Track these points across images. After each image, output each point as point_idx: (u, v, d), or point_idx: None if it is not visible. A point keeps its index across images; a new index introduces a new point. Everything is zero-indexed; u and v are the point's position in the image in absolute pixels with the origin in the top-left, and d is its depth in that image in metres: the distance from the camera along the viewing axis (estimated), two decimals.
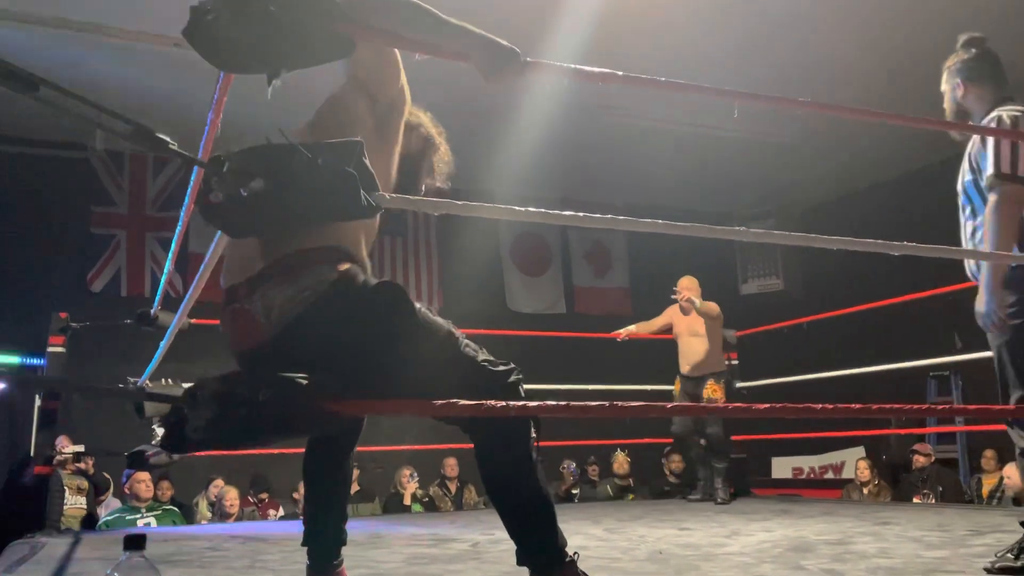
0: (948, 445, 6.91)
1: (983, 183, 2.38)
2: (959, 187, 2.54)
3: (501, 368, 1.62)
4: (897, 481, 6.49)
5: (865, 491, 6.27)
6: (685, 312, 5.42)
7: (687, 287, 5.35)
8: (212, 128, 1.88)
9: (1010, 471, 5.51)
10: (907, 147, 7.29)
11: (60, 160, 7.01)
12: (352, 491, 6.16)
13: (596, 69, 1.63)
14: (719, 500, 5.18)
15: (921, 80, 5.89)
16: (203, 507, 6.03)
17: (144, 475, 5.29)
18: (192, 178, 2.44)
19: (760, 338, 6.69)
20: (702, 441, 5.40)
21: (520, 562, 1.63)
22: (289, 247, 1.55)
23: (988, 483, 6.02)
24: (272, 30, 1.23)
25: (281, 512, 6.13)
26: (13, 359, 5.66)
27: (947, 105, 2.63)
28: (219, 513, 5.77)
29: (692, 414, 5.44)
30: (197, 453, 1.46)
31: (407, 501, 6.39)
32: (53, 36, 5.19)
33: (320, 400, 1.33)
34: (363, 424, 2.06)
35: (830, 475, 7.90)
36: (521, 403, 1.53)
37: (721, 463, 5.25)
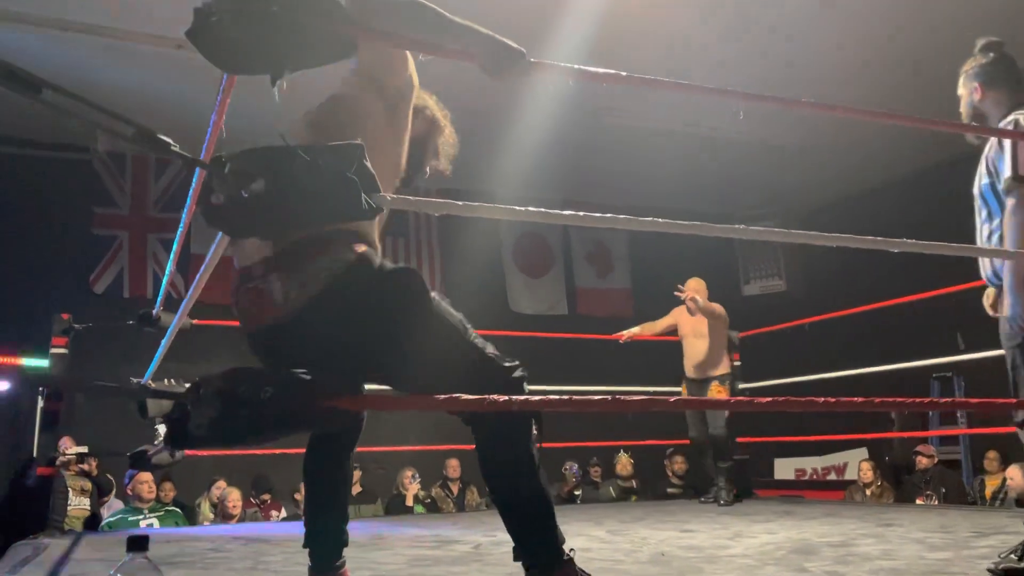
0: (951, 446, 6.90)
1: (1000, 186, 2.38)
2: (975, 191, 2.54)
3: (508, 363, 1.64)
4: (900, 482, 6.48)
5: (868, 492, 6.26)
6: (691, 313, 5.40)
7: (694, 288, 5.33)
8: (215, 129, 1.89)
9: (1013, 472, 5.50)
10: (909, 150, 7.29)
11: (62, 161, 7.02)
12: (354, 492, 6.21)
13: (599, 70, 1.63)
14: (722, 501, 5.17)
15: (926, 81, 5.93)
16: (205, 508, 6.03)
17: (147, 476, 5.30)
18: (194, 179, 2.44)
19: (762, 339, 6.69)
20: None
21: (517, 558, 1.63)
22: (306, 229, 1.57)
23: (991, 484, 6.01)
24: (275, 31, 1.24)
25: (283, 513, 6.13)
26: (42, 361, 5.61)
27: (964, 109, 2.63)
28: (222, 514, 5.77)
29: (696, 407, 5.43)
30: (199, 452, 1.46)
31: (409, 502, 6.39)
32: (56, 38, 5.20)
33: (322, 397, 1.33)
34: (363, 422, 2.06)
35: (833, 476, 7.88)
36: (524, 397, 1.53)
37: (725, 463, 5.24)
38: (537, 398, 1.47)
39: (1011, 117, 2.43)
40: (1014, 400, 2.24)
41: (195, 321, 3.96)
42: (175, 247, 3.29)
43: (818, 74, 5.86)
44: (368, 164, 1.36)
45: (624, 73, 1.67)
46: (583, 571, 1.62)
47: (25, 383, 6.28)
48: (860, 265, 6.58)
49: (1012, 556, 2.21)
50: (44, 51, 5.32)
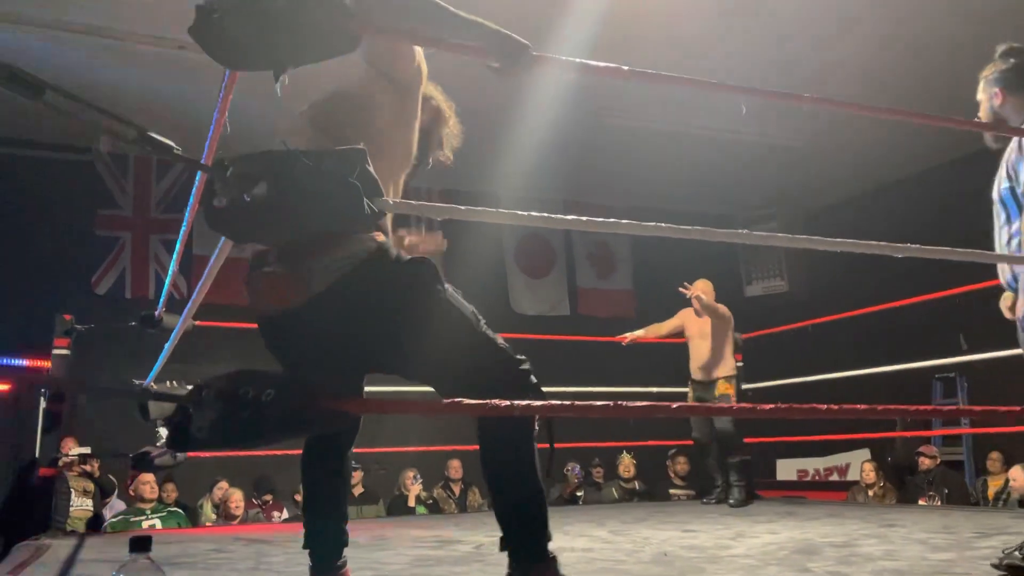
0: (953, 447, 6.89)
1: (1020, 190, 2.38)
2: (994, 195, 2.54)
3: (518, 356, 1.67)
4: (903, 483, 6.47)
5: (870, 493, 6.25)
6: (698, 314, 5.39)
7: (702, 289, 5.32)
8: (218, 127, 1.89)
9: (1016, 473, 5.50)
10: (911, 150, 7.27)
11: (64, 163, 7.02)
12: (356, 493, 6.21)
13: (602, 63, 1.64)
14: (732, 501, 5.07)
15: (927, 81, 5.94)
16: (208, 509, 6.04)
17: (149, 476, 5.31)
18: (196, 181, 2.45)
19: (764, 340, 6.68)
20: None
21: (503, 548, 1.66)
22: None
23: (994, 485, 6.00)
24: (277, 26, 1.24)
25: (285, 514, 6.13)
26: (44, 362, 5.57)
27: (983, 114, 2.62)
28: (224, 515, 5.77)
29: (699, 414, 5.41)
30: (201, 454, 1.47)
31: (411, 503, 6.39)
32: (57, 39, 5.20)
33: (324, 399, 1.33)
34: (361, 420, 2.06)
35: (835, 477, 7.87)
36: (526, 403, 1.54)
37: (735, 459, 5.17)
38: (539, 403, 1.47)
39: None
40: (1018, 408, 2.24)
41: (197, 322, 3.96)
42: (177, 248, 3.29)
43: (822, 74, 5.85)
44: (370, 168, 1.36)
45: (626, 67, 1.67)
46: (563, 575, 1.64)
47: (27, 384, 6.29)
48: (863, 267, 6.57)
49: (1016, 553, 2.21)
50: (46, 52, 5.33)
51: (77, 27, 4.96)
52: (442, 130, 2.05)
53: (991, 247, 2.55)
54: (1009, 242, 2.47)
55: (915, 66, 5.85)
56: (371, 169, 1.36)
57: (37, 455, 4.38)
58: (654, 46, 5.39)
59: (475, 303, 1.72)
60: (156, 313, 4.02)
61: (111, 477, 5.95)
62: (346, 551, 2.01)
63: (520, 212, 1.61)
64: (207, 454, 4.75)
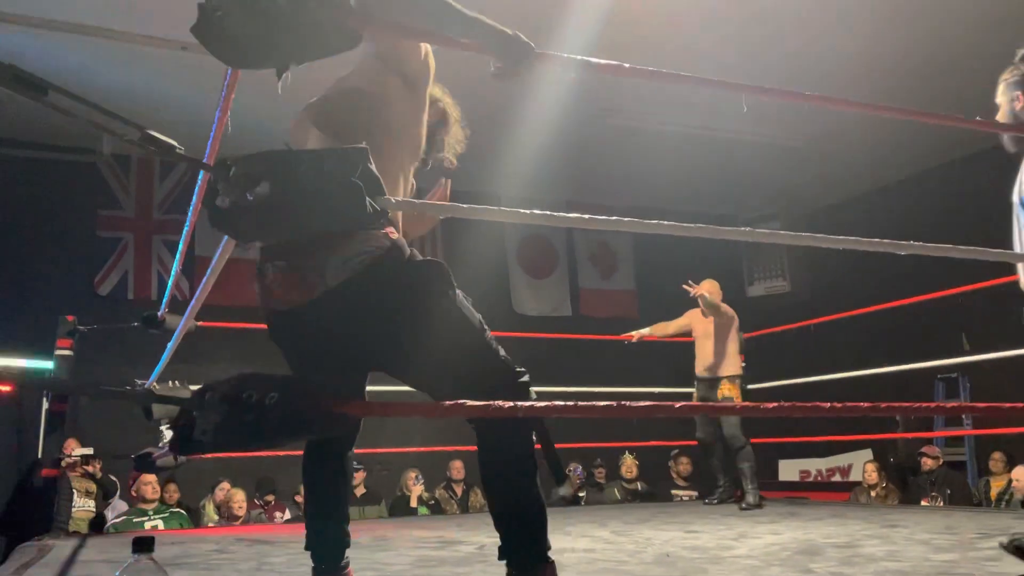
0: (956, 448, 6.88)
1: None
2: (1014, 198, 2.53)
3: (518, 368, 1.67)
4: (905, 484, 6.46)
5: (873, 494, 6.24)
6: (704, 314, 5.38)
7: (709, 290, 5.31)
8: (220, 126, 1.89)
9: (1018, 473, 5.49)
10: (912, 151, 7.27)
11: (67, 164, 7.03)
12: (358, 494, 6.21)
13: (603, 61, 1.64)
14: (743, 505, 4.99)
15: (934, 81, 5.93)
16: (210, 509, 6.04)
17: (150, 477, 5.31)
18: (198, 181, 2.45)
19: (766, 340, 6.68)
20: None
21: (501, 557, 1.66)
22: None
23: (996, 486, 5.99)
24: (279, 24, 1.24)
25: (287, 515, 6.13)
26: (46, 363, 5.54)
27: (1002, 118, 2.60)
28: (227, 516, 5.78)
29: (701, 413, 5.40)
30: (205, 455, 1.46)
31: (413, 504, 6.39)
32: (61, 40, 5.21)
33: (328, 402, 1.33)
34: (361, 421, 2.06)
35: (838, 478, 7.86)
36: (528, 404, 1.54)
37: (744, 463, 5.10)
38: (542, 404, 1.46)
39: None
40: (1022, 405, 2.23)
41: (199, 323, 3.97)
42: (180, 249, 3.30)
43: (826, 74, 5.84)
44: (372, 167, 1.36)
45: (627, 64, 1.67)
46: None
47: (30, 385, 6.29)
48: (865, 266, 6.57)
49: None
50: (48, 53, 5.34)
51: (79, 28, 4.97)
52: (445, 132, 2.05)
53: (993, 247, 2.55)
54: None
55: (917, 66, 5.84)
56: (373, 168, 1.36)
57: (39, 456, 4.39)
58: (655, 47, 5.39)
59: (477, 303, 1.72)
60: (159, 314, 4.03)
61: (112, 478, 5.96)
62: (348, 552, 2.01)
63: (523, 211, 1.61)
64: (209, 455, 4.74)
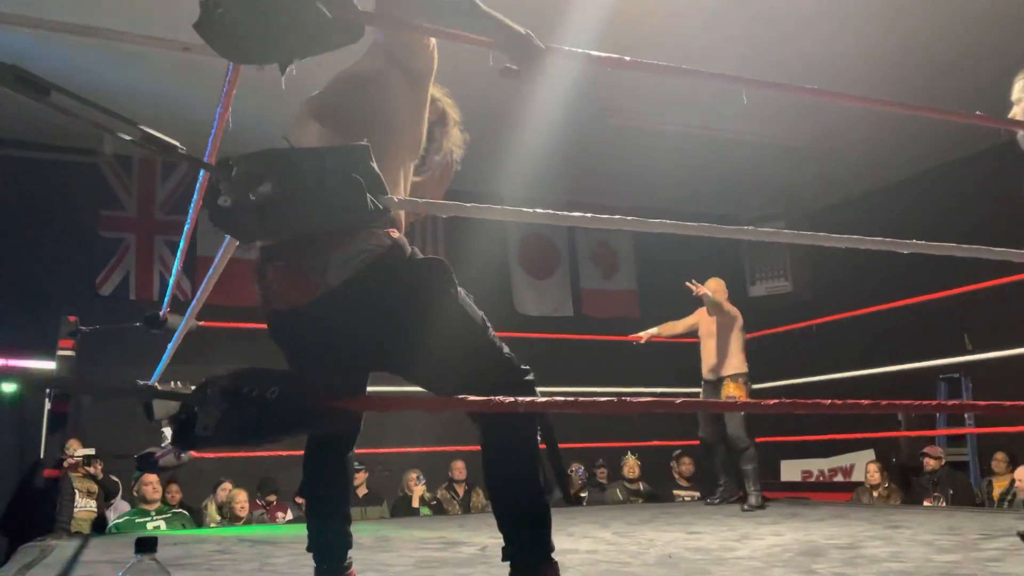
0: (958, 448, 6.87)
1: None
2: None
3: (523, 366, 1.66)
4: (907, 484, 6.45)
5: (875, 494, 6.24)
6: (710, 313, 5.37)
7: (714, 289, 5.30)
8: (221, 123, 1.89)
9: (1021, 474, 5.48)
10: (913, 150, 7.26)
11: (69, 164, 7.03)
12: (360, 494, 6.21)
13: (605, 55, 1.64)
14: (746, 506, 4.96)
15: (936, 79, 5.92)
16: (212, 510, 6.04)
17: (152, 477, 5.31)
18: (199, 181, 2.45)
19: (768, 340, 6.67)
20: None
21: (505, 558, 1.65)
22: None
23: (999, 486, 5.99)
24: (280, 19, 1.24)
25: (289, 515, 6.13)
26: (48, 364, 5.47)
27: (1019, 114, 2.59)
28: (229, 516, 5.78)
29: (703, 410, 5.38)
30: (204, 454, 1.46)
31: (415, 504, 6.39)
32: (63, 41, 5.22)
33: (330, 398, 1.33)
34: (362, 421, 2.06)
35: (840, 478, 7.86)
36: (529, 399, 1.53)
37: (747, 464, 5.08)
38: (543, 399, 1.46)
39: None
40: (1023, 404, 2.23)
41: (201, 323, 3.97)
42: (181, 249, 3.29)
43: (828, 73, 5.83)
44: (374, 165, 1.36)
45: (628, 58, 1.67)
46: None
47: (32, 385, 6.30)
48: (867, 266, 6.56)
49: None
50: (51, 54, 5.34)
51: (81, 29, 4.97)
52: (444, 133, 2.04)
53: (994, 246, 2.54)
54: None
55: (919, 66, 5.83)
56: (375, 166, 1.35)
57: (42, 456, 4.39)
58: (657, 47, 5.38)
59: (479, 303, 1.71)
60: (160, 314, 4.03)
61: (114, 478, 5.96)
62: (350, 552, 2.01)
63: (525, 209, 1.61)
64: (210, 455, 4.75)
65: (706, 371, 5.40)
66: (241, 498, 5.76)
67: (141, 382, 3.87)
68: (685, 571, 2.54)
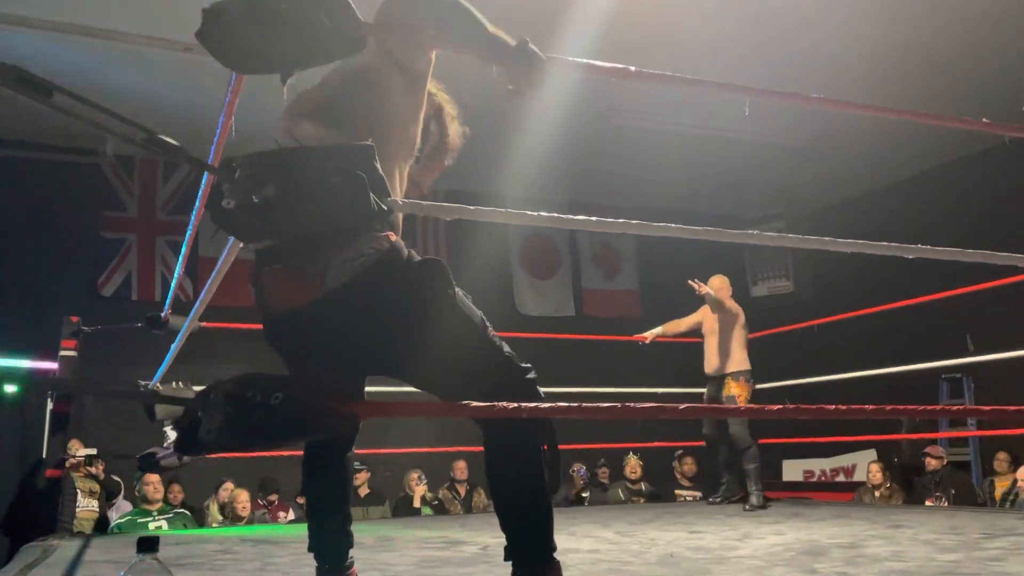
0: (960, 448, 6.87)
1: None
2: None
3: (524, 364, 1.66)
4: (909, 484, 6.45)
5: (877, 494, 6.24)
6: (713, 311, 5.37)
7: (717, 287, 5.29)
8: (224, 130, 1.90)
9: (1023, 473, 5.48)
10: (913, 150, 7.26)
11: (71, 164, 7.04)
12: (362, 494, 6.22)
13: (607, 64, 1.64)
14: (748, 506, 4.94)
15: (936, 81, 5.92)
16: (214, 510, 6.05)
17: (153, 477, 5.32)
18: (202, 182, 2.45)
19: (770, 341, 6.67)
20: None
21: (508, 558, 1.65)
22: None
23: (1001, 486, 5.98)
24: (283, 30, 1.24)
25: (291, 515, 6.14)
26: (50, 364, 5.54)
27: None
28: (231, 516, 5.79)
29: (705, 415, 5.37)
30: (209, 456, 1.46)
31: (416, 504, 6.39)
32: (64, 42, 5.22)
33: (333, 402, 1.33)
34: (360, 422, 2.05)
35: (841, 478, 7.85)
36: (533, 404, 1.53)
37: (749, 464, 5.05)
38: (546, 405, 1.46)
39: None
40: None
41: (203, 324, 3.97)
42: (183, 250, 3.30)
43: (829, 74, 5.83)
44: (378, 166, 1.36)
45: (633, 68, 1.67)
46: None
47: (34, 386, 6.30)
48: (868, 267, 6.56)
49: None
50: (53, 55, 5.35)
51: (83, 29, 4.98)
52: (441, 129, 2.02)
53: (993, 246, 2.54)
54: None
55: (920, 67, 5.83)
56: (378, 167, 1.35)
57: (43, 456, 4.39)
58: (657, 48, 5.39)
59: (480, 304, 1.71)
60: (162, 315, 4.03)
61: (116, 478, 5.97)
62: (352, 552, 2.01)
63: (527, 212, 1.61)
64: (213, 455, 4.75)
65: (708, 369, 5.39)
66: (243, 498, 5.77)
67: (143, 383, 3.88)
68: (687, 570, 2.55)
